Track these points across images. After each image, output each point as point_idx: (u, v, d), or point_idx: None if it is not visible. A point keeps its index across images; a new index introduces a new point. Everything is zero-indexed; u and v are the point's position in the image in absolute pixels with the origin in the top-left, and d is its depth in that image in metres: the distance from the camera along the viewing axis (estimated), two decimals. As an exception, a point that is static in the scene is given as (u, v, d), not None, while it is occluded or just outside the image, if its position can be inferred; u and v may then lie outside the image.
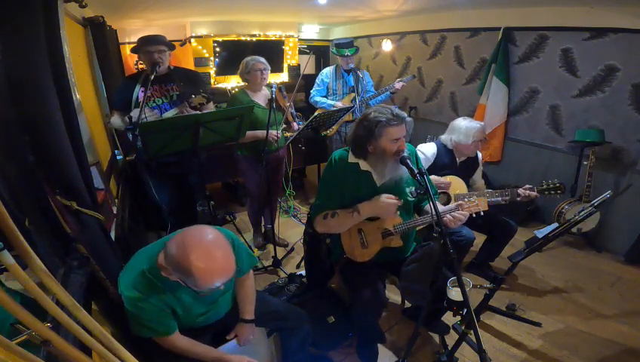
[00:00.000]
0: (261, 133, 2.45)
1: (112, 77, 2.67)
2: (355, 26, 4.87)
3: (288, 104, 2.70)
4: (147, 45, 2.20)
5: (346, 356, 1.95)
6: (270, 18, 4.14)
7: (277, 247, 2.75)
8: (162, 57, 2.23)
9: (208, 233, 1.09)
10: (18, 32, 0.91)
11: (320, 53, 5.25)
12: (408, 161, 1.51)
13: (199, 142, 1.98)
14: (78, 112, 1.64)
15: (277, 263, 2.69)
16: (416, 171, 1.45)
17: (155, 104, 2.30)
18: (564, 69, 2.99)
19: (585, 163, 2.81)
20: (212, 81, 3.99)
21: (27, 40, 0.94)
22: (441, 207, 1.58)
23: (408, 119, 2.29)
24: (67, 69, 1.30)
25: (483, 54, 3.56)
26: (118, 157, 2.82)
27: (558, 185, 2.09)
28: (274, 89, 2.32)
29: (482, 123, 2.28)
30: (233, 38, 4.00)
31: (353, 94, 3.41)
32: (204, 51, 3.86)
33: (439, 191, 2.14)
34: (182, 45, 3.87)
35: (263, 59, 2.53)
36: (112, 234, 1.78)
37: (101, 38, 2.50)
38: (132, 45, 2.48)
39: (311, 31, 4.89)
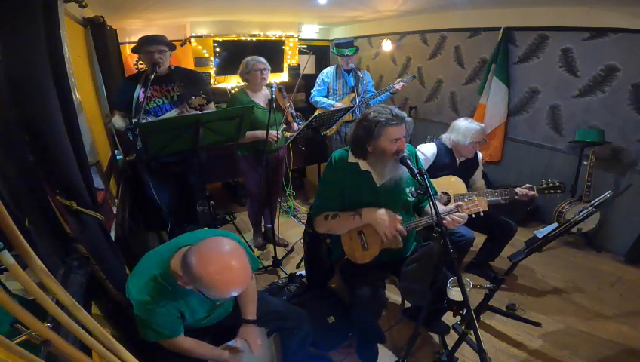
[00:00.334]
0: (261, 133, 2.45)
1: (112, 77, 2.67)
2: (355, 26, 4.87)
3: (288, 104, 2.70)
4: (147, 45, 2.20)
5: (346, 356, 1.95)
6: (270, 18, 4.14)
7: (277, 247, 2.75)
8: (162, 57, 2.23)
9: (225, 244, 1.11)
10: (18, 32, 0.91)
11: (320, 53, 5.26)
12: (408, 161, 1.51)
13: (199, 142, 1.98)
14: (78, 112, 1.64)
15: (277, 263, 2.69)
16: (416, 171, 1.45)
17: (155, 104, 2.30)
18: (564, 69, 2.99)
19: (585, 163, 2.81)
20: (212, 81, 3.99)
21: (27, 40, 0.94)
22: (441, 208, 1.58)
23: (408, 119, 2.28)
24: (67, 69, 1.30)
25: (483, 54, 3.56)
26: (118, 158, 2.82)
27: (557, 184, 2.09)
28: (274, 89, 2.32)
29: (482, 125, 2.28)
30: (233, 38, 4.00)
31: (353, 94, 3.41)
32: (204, 51, 3.86)
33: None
34: (182, 45, 3.87)
35: (263, 60, 2.53)
36: (112, 234, 1.78)
37: (101, 38, 2.50)
38: (132, 45, 2.49)
39: (311, 31, 4.89)
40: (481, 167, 2.47)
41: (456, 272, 1.30)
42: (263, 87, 2.64)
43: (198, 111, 2.18)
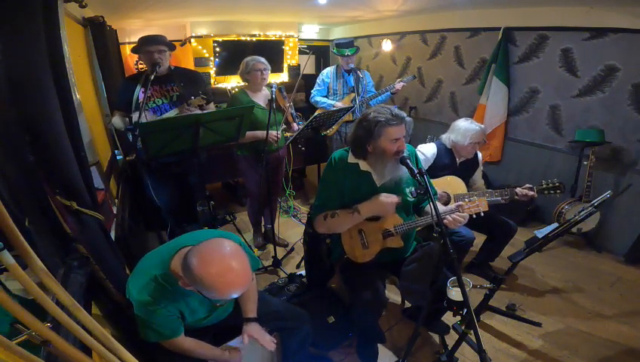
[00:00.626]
0: (261, 133, 2.45)
1: (112, 77, 2.67)
2: (355, 26, 4.87)
3: (288, 104, 2.70)
4: (147, 45, 2.20)
5: (346, 356, 1.95)
6: (270, 18, 4.14)
7: (277, 247, 2.75)
8: (162, 57, 2.23)
9: (226, 246, 1.11)
10: (18, 32, 0.91)
11: (320, 53, 5.25)
12: (408, 161, 1.51)
13: (199, 142, 1.98)
14: (78, 112, 1.64)
15: (277, 263, 2.69)
16: (416, 171, 1.45)
17: (155, 104, 2.30)
18: (564, 69, 2.99)
19: (585, 163, 2.81)
20: (212, 81, 3.98)
21: (27, 40, 0.94)
22: (441, 208, 1.58)
23: (408, 119, 2.29)
24: (67, 69, 1.30)
25: (483, 54, 3.56)
26: (118, 158, 2.82)
27: (557, 184, 2.09)
28: (274, 89, 2.32)
29: (482, 125, 2.28)
30: (233, 38, 4.00)
31: (353, 94, 3.41)
32: (204, 51, 3.86)
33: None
34: (182, 45, 3.87)
35: (263, 60, 2.53)
36: (112, 234, 1.78)
37: (101, 38, 2.50)
38: (132, 45, 2.48)
39: (311, 31, 4.89)
40: (481, 167, 2.47)
41: (456, 272, 1.30)
42: (263, 87, 2.64)
43: (199, 111, 2.18)
